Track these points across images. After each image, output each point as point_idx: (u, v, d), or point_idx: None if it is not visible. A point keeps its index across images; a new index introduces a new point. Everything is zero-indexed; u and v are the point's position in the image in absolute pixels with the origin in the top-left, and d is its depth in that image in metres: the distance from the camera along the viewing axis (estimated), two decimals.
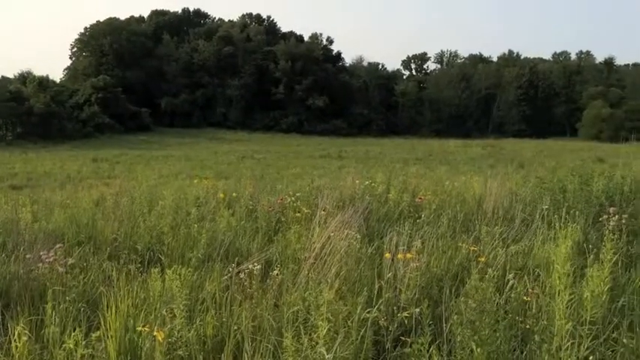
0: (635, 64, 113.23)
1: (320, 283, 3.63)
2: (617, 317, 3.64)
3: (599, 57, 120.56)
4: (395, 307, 3.74)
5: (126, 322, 3.38)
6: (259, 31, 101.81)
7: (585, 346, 2.97)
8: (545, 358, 2.85)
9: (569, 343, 2.96)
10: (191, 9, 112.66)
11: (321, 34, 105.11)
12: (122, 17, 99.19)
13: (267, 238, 6.34)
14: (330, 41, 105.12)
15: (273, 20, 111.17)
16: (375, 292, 3.93)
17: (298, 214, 6.55)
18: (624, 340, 3.21)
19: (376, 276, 4.35)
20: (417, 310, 3.22)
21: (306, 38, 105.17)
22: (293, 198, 7.53)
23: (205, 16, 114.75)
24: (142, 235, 6.18)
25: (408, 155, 46.30)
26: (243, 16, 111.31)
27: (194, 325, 3.44)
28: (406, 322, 3.65)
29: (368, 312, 3.56)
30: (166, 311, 3.46)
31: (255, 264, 4.10)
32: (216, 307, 3.84)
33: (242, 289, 4.03)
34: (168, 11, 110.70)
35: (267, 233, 6.53)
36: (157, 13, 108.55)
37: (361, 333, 3.16)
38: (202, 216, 7.06)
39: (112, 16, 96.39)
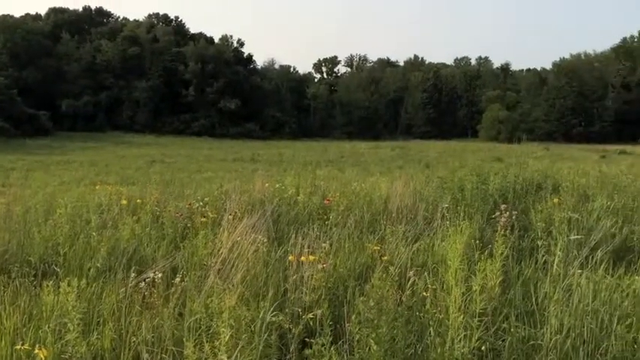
0: (528, 70, 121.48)
1: (225, 289, 3.58)
2: (506, 308, 3.87)
3: (497, 62, 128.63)
4: (300, 310, 3.76)
5: (13, 340, 3.16)
6: (167, 31, 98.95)
7: (476, 337, 3.14)
8: (438, 351, 2.99)
9: (462, 335, 3.12)
10: (93, 7, 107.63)
11: (231, 36, 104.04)
12: (17, 15, 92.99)
13: (174, 244, 6.16)
14: (241, 43, 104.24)
15: (181, 21, 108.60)
16: (281, 295, 3.94)
17: (204, 219, 6.43)
18: (512, 330, 3.43)
19: (282, 279, 4.37)
20: (320, 311, 3.26)
21: (216, 40, 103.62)
22: (201, 203, 7.39)
23: (108, 15, 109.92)
24: (37, 246, 5.81)
25: (320, 157, 46.78)
26: (150, 16, 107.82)
27: (90, 339, 3.27)
28: (311, 323, 3.68)
29: (273, 316, 3.56)
30: (57, 326, 3.27)
31: (157, 272, 3.97)
32: (115, 319, 3.69)
33: (143, 298, 3.89)
34: (68, 9, 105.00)
35: (173, 240, 6.34)
36: (55, 11, 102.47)
37: (264, 337, 3.14)
38: (104, 224, 6.75)
39: (6, 13, 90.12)
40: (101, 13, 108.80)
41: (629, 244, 6.03)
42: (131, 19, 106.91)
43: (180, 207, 7.65)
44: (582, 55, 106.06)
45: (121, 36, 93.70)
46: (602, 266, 4.80)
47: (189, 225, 6.68)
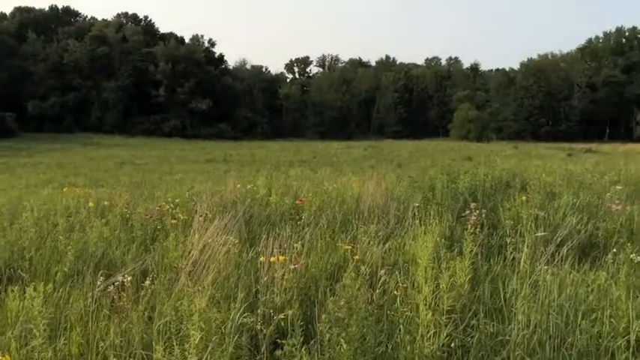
0: (497, 70, 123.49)
1: (196, 291, 3.54)
2: (475, 305, 3.93)
3: (466, 63, 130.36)
4: (271, 311, 3.75)
5: None
6: (136, 31, 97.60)
7: (445, 334, 3.18)
8: (408, 349, 3.02)
9: (431, 333, 3.15)
10: (60, 6, 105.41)
11: (202, 36, 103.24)
12: None
13: (144, 247, 6.09)
14: (212, 43, 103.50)
15: (150, 20, 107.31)
16: (252, 296, 3.93)
17: (175, 221, 6.37)
18: (480, 326, 3.48)
19: (254, 280, 4.35)
20: (291, 312, 3.26)
21: (187, 40, 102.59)
22: (172, 204, 7.31)
23: (76, 14, 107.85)
24: (2, 250, 5.66)
25: (293, 157, 46.78)
26: (119, 15, 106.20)
27: (56, 345, 3.21)
28: (283, 324, 3.68)
29: (245, 317, 3.55)
30: (22, 332, 3.20)
31: (126, 275, 3.91)
32: (83, 323, 3.62)
33: (112, 302, 3.83)
34: (34, 8, 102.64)
35: (143, 242, 6.26)
36: (21, 10, 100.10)
37: (234, 339, 3.13)
38: (71, 227, 6.62)
39: None
40: (68, 12, 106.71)
41: (594, 240, 6.17)
42: (99, 19, 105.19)
43: (150, 209, 7.55)
44: (549, 56, 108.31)
45: (89, 36, 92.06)
46: (568, 262, 4.91)
47: (159, 227, 6.60)
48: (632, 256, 4.93)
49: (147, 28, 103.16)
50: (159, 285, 4.16)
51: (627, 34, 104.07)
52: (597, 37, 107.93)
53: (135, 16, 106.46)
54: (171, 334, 3.23)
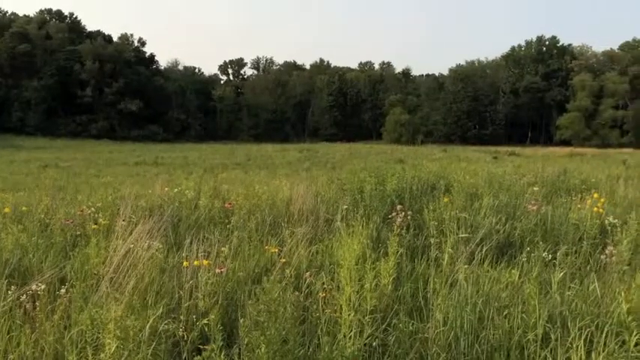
0: (427, 75, 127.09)
1: (113, 298, 3.43)
2: (397, 304, 4.03)
3: (398, 67, 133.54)
4: (194, 316, 3.69)
5: None
6: (61, 28, 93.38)
7: (366, 334, 3.25)
8: (326, 349, 3.06)
9: (353, 333, 3.21)
10: None
11: (132, 35, 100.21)
12: None
13: (64, 254, 5.83)
14: (143, 43, 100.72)
15: (76, 18, 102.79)
16: (175, 302, 3.85)
17: (96, 226, 6.14)
18: (400, 325, 3.58)
19: (178, 286, 4.27)
20: (213, 316, 3.22)
21: (115, 39, 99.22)
22: (94, 209, 7.04)
23: None
24: None
25: (227, 160, 46.16)
26: (42, 11, 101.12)
27: None
28: (207, 330, 3.63)
29: (166, 324, 3.48)
30: None
31: (40, 284, 3.73)
32: None
33: (25, 312, 3.65)
34: None
35: (63, 249, 6.00)
36: None
37: (153, 346, 3.05)
38: None
39: None
40: None
41: (512, 239, 6.47)
42: (21, 15, 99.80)
43: (71, 214, 7.25)
44: (476, 62, 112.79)
45: (10, 32, 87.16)
46: (486, 261, 5.13)
47: (80, 233, 6.35)
48: (544, 254, 5.22)
49: (72, 25, 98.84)
50: (76, 293, 3.99)
51: (547, 42, 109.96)
52: (520, 46, 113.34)
53: (59, 13, 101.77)
54: (86, 343, 3.11)
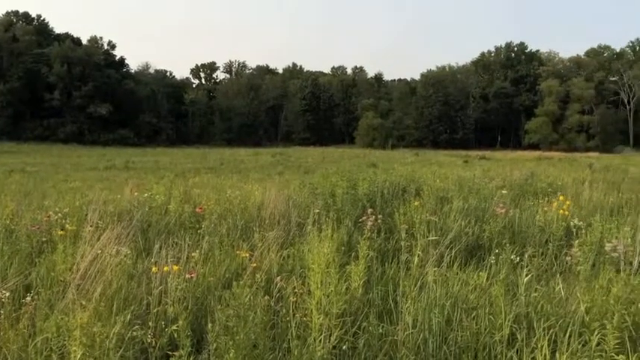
0: (399, 80, 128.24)
1: (79, 305, 3.37)
2: (367, 307, 4.06)
3: (371, 72, 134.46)
4: (163, 323, 3.66)
5: None
6: (28, 31, 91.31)
7: (336, 337, 3.26)
8: (295, 353, 3.07)
9: (322, 336, 3.22)
10: None
11: (101, 38, 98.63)
12: None
13: (29, 260, 5.71)
14: (112, 46, 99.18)
15: (44, 20, 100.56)
16: (144, 308, 3.80)
17: (63, 232, 6.03)
18: (370, 328, 3.61)
19: (147, 292, 4.22)
20: (182, 322, 3.19)
21: (84, 41, 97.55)
22: (61, 214, 6.91)
23: None
24: None
25: (199, 164, 45.72)
26: (8, 13, 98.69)
27: None
28: (176, 336, 3.60)
29: (134, 330, 3.43)
30: None
31: (4, 291, 3.65)
32: None
33: None
34: None
35: (28, 255, 5.88)
36: None
37: (120, 353, 3.02)
38: None
39: None
40: None
41: (480, 242, 6.58)
42: None
43: (37, 219, 7.10)
44: (447, 68, 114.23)
45: None
46: (455, 263, 5.21)
47: (46, 239, 6.22)
48: (512, 257, 5.32)
49: (40, 27, 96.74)
50: (42, 300, 3.91)
51: (516, 49, 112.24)
52: (489, 52, 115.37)
53: (27, 15, 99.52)
54: (52, 351, 3.05)
